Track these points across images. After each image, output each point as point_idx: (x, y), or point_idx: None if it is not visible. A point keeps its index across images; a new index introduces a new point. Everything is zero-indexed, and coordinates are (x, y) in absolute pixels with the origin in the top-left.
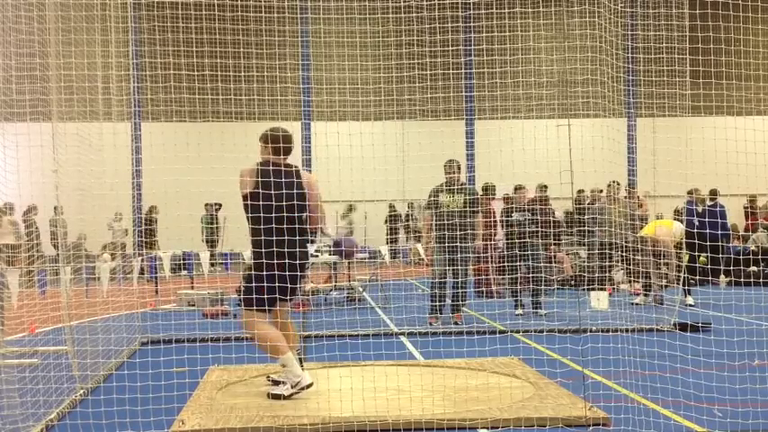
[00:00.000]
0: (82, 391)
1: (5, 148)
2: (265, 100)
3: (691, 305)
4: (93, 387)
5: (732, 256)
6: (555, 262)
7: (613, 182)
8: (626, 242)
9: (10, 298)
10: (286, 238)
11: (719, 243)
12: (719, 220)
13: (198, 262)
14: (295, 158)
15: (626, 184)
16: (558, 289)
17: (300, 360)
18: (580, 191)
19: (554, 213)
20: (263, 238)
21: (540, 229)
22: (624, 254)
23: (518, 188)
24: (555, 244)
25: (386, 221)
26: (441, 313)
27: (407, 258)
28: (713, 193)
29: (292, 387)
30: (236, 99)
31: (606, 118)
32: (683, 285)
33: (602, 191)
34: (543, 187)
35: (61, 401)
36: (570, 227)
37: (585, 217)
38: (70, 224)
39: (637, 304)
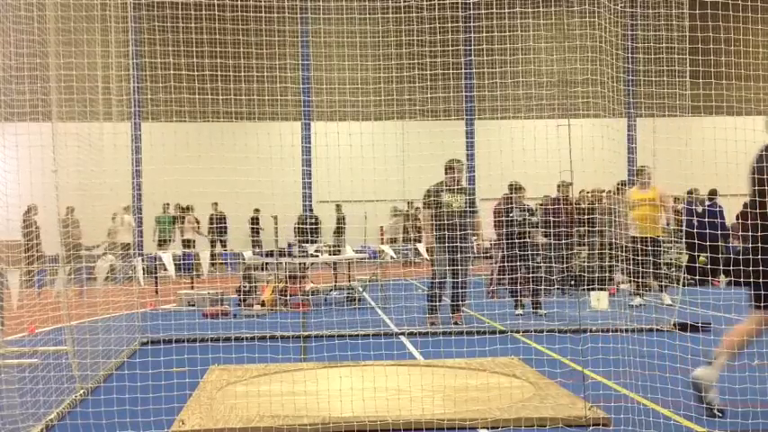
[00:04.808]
0: (82, 391)
1: (5, 148)
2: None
3: (669, 305)
4: (93, 387)
5: (732, 256)
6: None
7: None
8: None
9: (10, 298)
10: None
11: (718, 243)
12: (718, 220)
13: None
14: (295, 158)
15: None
16: (558, 289)
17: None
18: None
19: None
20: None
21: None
22: (625, 254)
23: (518, 188)
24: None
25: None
26: (437, 313)
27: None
28: (712, 193)
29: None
30: (236, 99)
31: (606, 118)
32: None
33: (602, 191)
34: (566, 185)
35: (61, 401)
36: (570, 227)
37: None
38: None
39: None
